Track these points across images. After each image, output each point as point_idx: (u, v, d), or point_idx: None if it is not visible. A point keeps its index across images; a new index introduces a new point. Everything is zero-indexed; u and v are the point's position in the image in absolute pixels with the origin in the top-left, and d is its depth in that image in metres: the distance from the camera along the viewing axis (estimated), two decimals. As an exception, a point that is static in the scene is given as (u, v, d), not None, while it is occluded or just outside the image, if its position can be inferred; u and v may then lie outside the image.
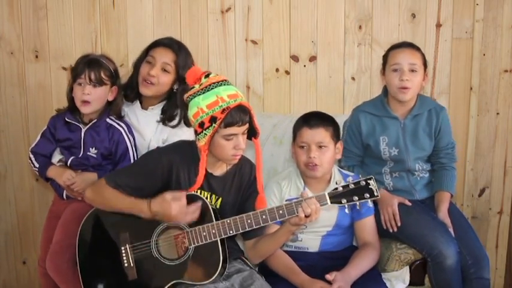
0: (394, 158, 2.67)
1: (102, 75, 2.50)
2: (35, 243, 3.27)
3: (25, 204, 3.30)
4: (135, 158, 2.56)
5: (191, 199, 2.17)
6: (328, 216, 2.46)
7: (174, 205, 2.11)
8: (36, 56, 3.14)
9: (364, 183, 2.13)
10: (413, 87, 2.58)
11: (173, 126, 2.60)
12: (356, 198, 2.12)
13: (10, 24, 3.12)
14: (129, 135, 2.58)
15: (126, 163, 2.53)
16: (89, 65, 2.49)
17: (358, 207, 2.18)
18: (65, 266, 2.38)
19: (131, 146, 2.57)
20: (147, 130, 2.62)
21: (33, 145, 2.64)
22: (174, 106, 2.60)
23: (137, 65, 2.64)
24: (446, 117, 2.70)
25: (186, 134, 2.55)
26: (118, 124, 2.57)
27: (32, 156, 2.62)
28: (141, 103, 2.68)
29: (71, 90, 2.55)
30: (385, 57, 2.68)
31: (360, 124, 2.70)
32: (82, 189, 2.48)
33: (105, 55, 2.63)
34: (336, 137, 2.48)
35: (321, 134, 2.43)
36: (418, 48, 2.64)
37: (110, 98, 2.56)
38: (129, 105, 2.68)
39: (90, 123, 2.55)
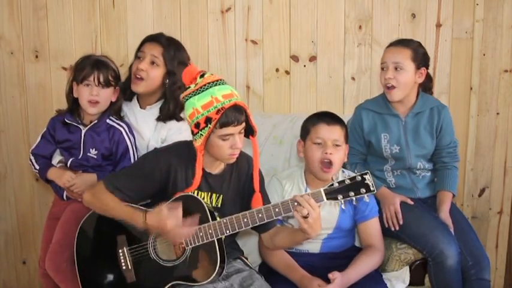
0: (395, 155, 2.67)
1: (110, 77, 2.51)
2: (35, 243, 3.28)
3: (25, 204, 3.31)
4: (136, 158, 2.56)
5: (188, 200, 2.17)
6: (328, 219, 2.44)
7: (170, 220, 2.08)
8: (36, 56, 3.15)
9: (360, 178, 2.10)
10: (399, 86, 2.57)
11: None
12: (352, 193, 2.09)
13: (10, 24, 3.12)
14: (130, 135, 2.58)
15: (126, 163, 2.53)
16: (98, 67, 2.49)
17: (354, 203, 2.15)
18: (64, 265, 2.39)
19: (131, 145, 2.57)
20: (146, 130, 2.61)
21: (33, 146, 2.64)
22: (171, 103, 2.59)
23: (131, 66, 2.64)
24: (448, 115, 2.69)
25: (184, 132, 2.55)
26: (118, 124, 2.57)
27: (32, 157, 2.62)
28: (139, 103, 2.67)
29: (71, 90, 2.55)
30: None
31: (362, 121, 2.70)
32: (82, 190, 2.48)
33: (106, 56, 2.63)
34: (346, 137, 2.46)
35: (337, 132, 2.40)
36: (409, 46, 2.60)
37: (113, 99, 2.57)
38: (128, 105, 2.68)
39: (91, 124, 2.54)
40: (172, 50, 2.58)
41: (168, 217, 2.08)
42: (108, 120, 2.56)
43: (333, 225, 2.47)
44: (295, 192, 2.47)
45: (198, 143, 2.15)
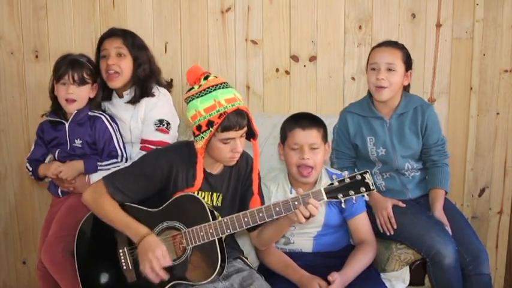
0: (381, 158, 2.67)
1: (85, 75, 2.58)
2: (35, 243, 3.28)
3: (25, 204, 3.31)
4: (120, 145, 2.63)
5: (188, 199, 2.17)
6: (316, 217, 2.42)
7: (160, 250, 2.10)
8: (36, 56, 3.15)
9: (360, 177, 2.11)
10: (390, 87, 2.58)
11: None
12: (352, 192, 2.10)
13: (10, 24, 3.13)
14: (112, 123, 2.65)
15: (111, 148, 2.61)
16: (72, 66, 2.57)
17: (354, 202, 2.16)
18: (60, 256, 2.41)
19: (114, 132, 2.64)
20: (126, 114, 2.69)
21: (29, 154, 2.72)
22: (137, 87, 2.67)
23: (97, 68, 2.69)
24: (433, 114, 2.68)
25: (160, 108, 2.64)
26: (99, 113, 2.65)
27: (27, 164, 2.70)
28: (117, 94, 2.74)
29: (52, 89, 2.62)
30: (368, 56, 2.69)
31: (348, 125, 2.70)
32: (70, 176, 2.57)
33: (84, 54, 2.68)
34: (325, 138, 2.47)
35: (313, 135, 2.41)
36: (400, 47, 2.63)
37: (92, 95, 2.64)
38: (108, 102, 2.75)
39: (72, 116, 2.61)
40: (129, 37, 2.67)
41: (162, 247, 2.10)
42: (89, 112, 2.63)
43: (321, 223, 2.48)
44: (281, 193, 2.51)
45: (199, 145, 2.16)
